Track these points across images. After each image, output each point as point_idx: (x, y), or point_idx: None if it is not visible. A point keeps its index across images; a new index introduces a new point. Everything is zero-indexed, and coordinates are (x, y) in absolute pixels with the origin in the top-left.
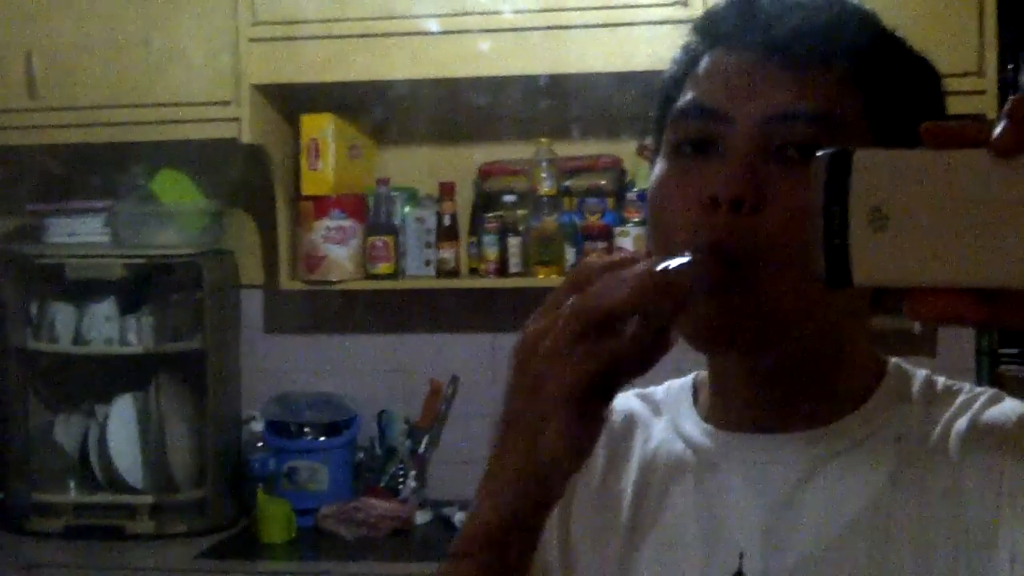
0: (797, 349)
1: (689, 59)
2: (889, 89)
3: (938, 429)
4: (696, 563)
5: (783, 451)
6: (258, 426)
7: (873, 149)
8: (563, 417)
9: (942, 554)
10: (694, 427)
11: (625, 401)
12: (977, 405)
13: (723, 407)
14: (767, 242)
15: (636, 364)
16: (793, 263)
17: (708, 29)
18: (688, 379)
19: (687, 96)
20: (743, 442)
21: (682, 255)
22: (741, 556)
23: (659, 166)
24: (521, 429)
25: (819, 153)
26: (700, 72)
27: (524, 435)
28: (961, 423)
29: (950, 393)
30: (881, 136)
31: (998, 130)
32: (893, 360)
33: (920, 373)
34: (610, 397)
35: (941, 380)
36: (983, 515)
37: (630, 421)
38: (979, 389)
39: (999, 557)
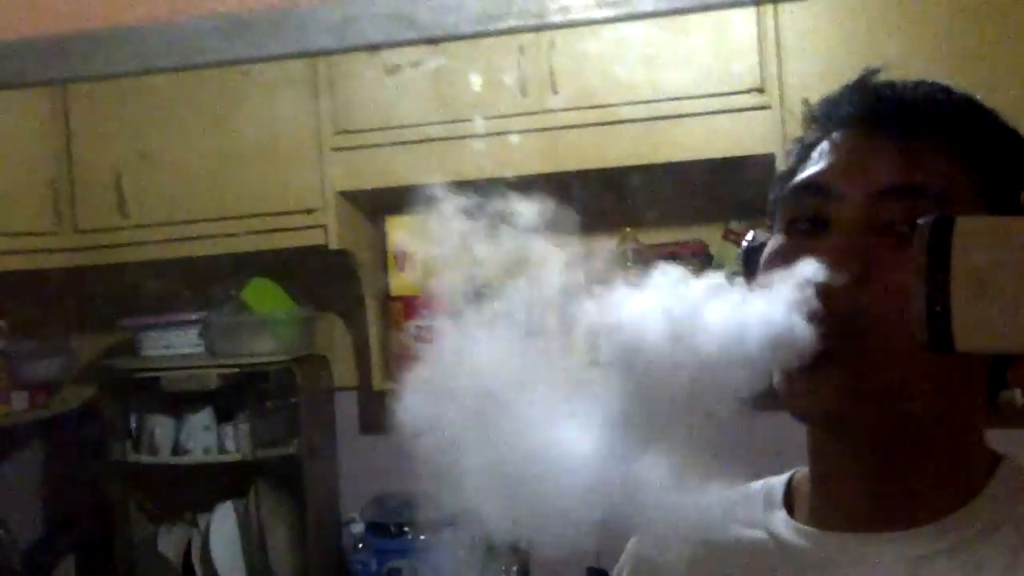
0: (901, 430)
1: (804, 147)
2: (998, 164)
3: None
4: None
5: (888, 551)
6: (359, 528)
7: (975, 216)
8: None
9: None
10: (786, 528)
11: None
12: None
13: (822, 505)
14: (873, 315)
15: None
16: (899, 335)
17: (823, 115)
18: (784, 477)
19: (801, 175)
20: (842, 541)
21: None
22: None
23: (773, 241)
24: None
25: (922, 220)
26: (814, 155)
27: None
28: None
29: None
30: (994, 205)
31: None
32: (1007, 456)
33: None
34: None
35: None
36: None
37: (722, 511)
38: None
39: None
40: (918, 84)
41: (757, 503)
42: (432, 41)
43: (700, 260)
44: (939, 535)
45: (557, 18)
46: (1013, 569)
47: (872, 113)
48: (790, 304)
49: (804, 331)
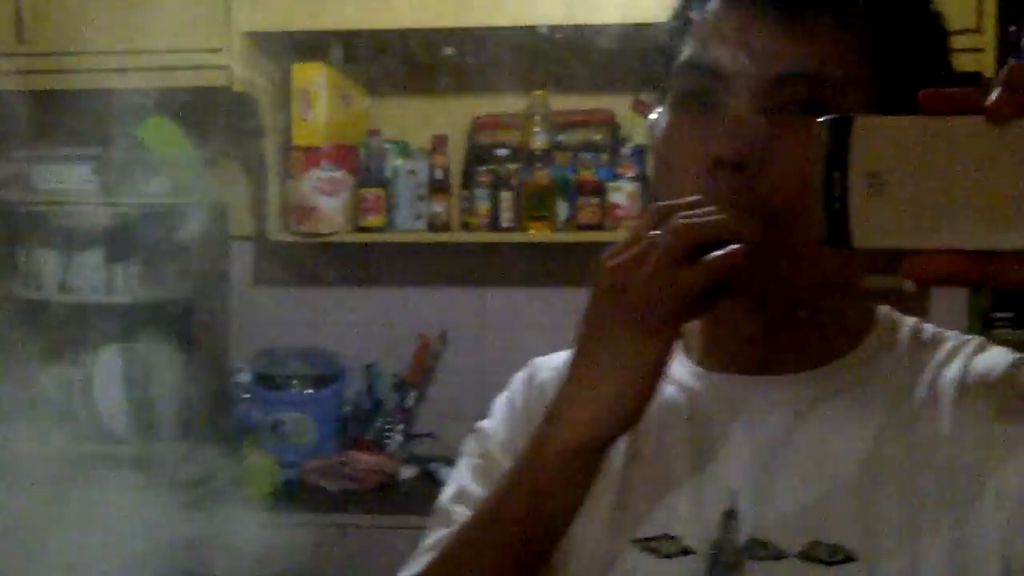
0: (793, 298)
1: (688, 6)
2: (896, 49)
3: (926, 376)
4: (689, 502)
5: (775, 393)
6: (245, 378)
7: (873, 116)
8: (670, 333)
9: (930, 499)
10: (683, 369)
11: None
12: (965, 353)
13: (714, 350)
14: (770, 201)
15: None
16: (795, 219)
17: None
18: None
19: (689, 51)
20: (733, 384)
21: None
22: (734, 494)
23: (664, 117)
24: (617, 350)
25: (820, 119)
26: (703, 23)
27: (621, 356)
28: (950, 372)
29: (937, 340)
30: (886, 96)
31: (994, 97)
32: (883, 308)
33: (909, 320)
34: (686, 320)
35: (929, 328)
36: (971, 461)
37: None
38: (966, 337)
39: (986, 501)
40: None
41: None
42: None
43: (608, 130)
44: (824, 380)
45: None
46: (892, 410)
47: None
48: (688, 189)
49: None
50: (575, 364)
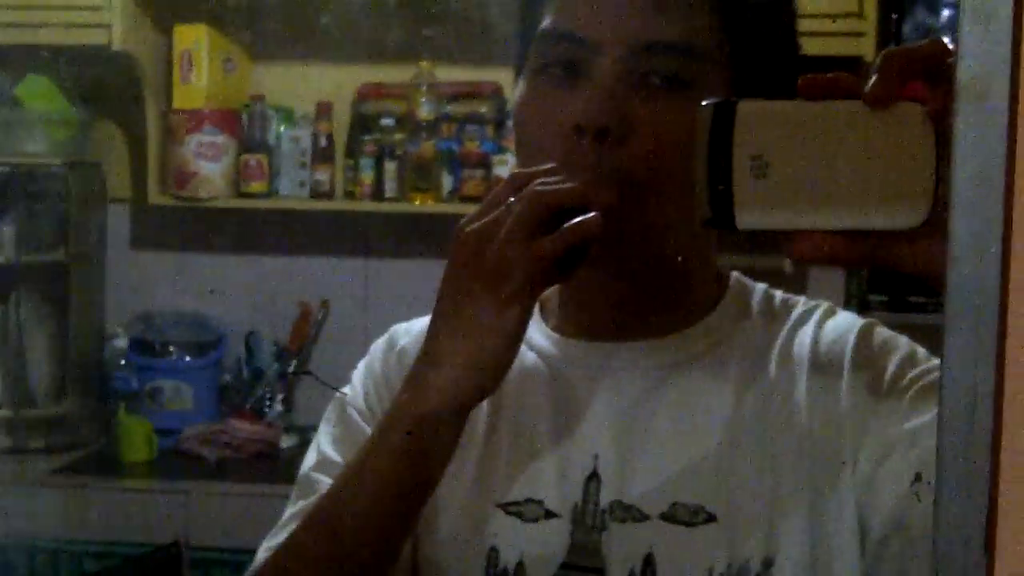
0: (651, 265)
1: None
2: (750, 22)
3: (779, 341)
4: (553, 466)
5: (631, 358)
6: (122, 343)
7: (755, 100)
8: (526, 300)
9: (788, 461)
10: (542, 336)
11: None
12: (814, 318)
13: (572, 317)
14: (632, 170)
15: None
16: (656, 190)
17: None
18: None
19: (551, 18)
20: (592, 350)
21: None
22: (596, 458)
23: (523, 86)
24: (475, 316)
25: (704, 103)
26: None
27: (478, 322)
28: (802, 336)
29: (787, 306)
30: (740, 69)
31: (871, 82)
32: (734, 274)
33: (759, 287)
34: (542, 288)
35: (779, 294)
36: (825, 425)
37: None
38: (814, 302)
39: (842, 465)
40: None
41: None
42: None
43: (494, 102)
44: (681, 345)
45: None
46: (748, 374)
47: None
48: (549, 158)
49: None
50: (433, 330)
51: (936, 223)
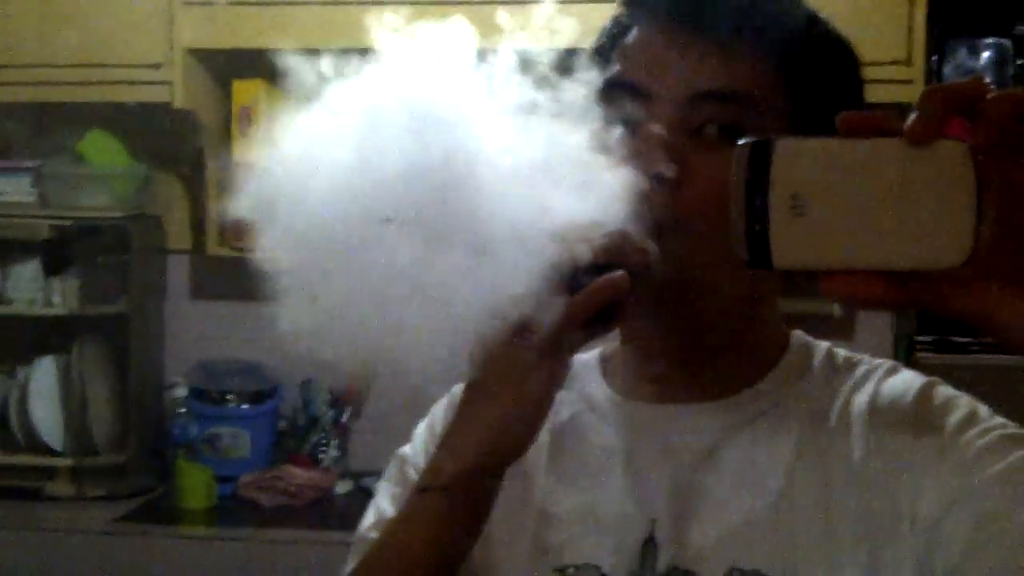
0: (709, 320)
1: (617, 31)
2: (811, 72)
3: (839, 401)
4: (610, 531)
5: (692, 421)
6: (181, 392)
7: (793, 137)
8: (556, 360)
9: (846, 523)
10: (603, 397)
11: None
12: (876, 377)
13: (632, 377)
14: (686, 218)
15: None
16: (711, 238)
17: (637, 2)
18: (594, 353)
19: (612, 70)
20: (651, 412)
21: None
22: (653, 522)
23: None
24: (508, 375)
25: (741, 141)
26: (626, 45)
27: (511, 380)
28: (862, 396)
29: (850, 365)
30: (801, 118)
31: (911, 120)
32: (796, 332)
33: (822, 345)
34: (576, 348)
35: (842, 352)
36: (884, 486)
37: None
38: (878, 361)
39: (900, 526)
40: None
41: (573, 378)
42: None
43: None
44: (740, 407)
45: None
46: (807, 436)
47: (686, 8)
48: (606, 204)
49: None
50: (467, 391)
51: (978, 263)
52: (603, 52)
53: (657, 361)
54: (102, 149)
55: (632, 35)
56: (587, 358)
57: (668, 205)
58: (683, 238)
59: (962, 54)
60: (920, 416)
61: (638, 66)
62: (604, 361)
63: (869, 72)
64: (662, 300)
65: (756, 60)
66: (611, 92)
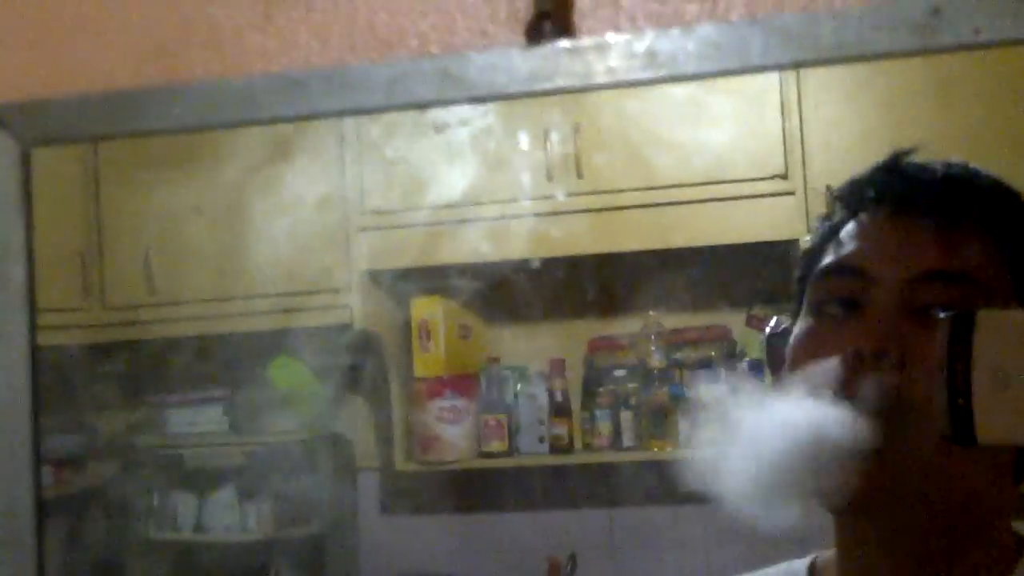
0: (933, 517)
1: (832, 226)
2: None
3: None
4: None
5: None
6: None
7: (997, 310)
8: None
9: None
10: None
11: None
12: None
13: None
14: (909, 399)
15: None
16: (934, 423)
17: (851, 196)
18: (804, 561)
19: (833, 255)
20: None
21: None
22: None
23: (801, 324)
24: None
25: (943, 314)
26: (843, 236)
27: None
28: None
29: None
30: (1021, 293)
31: None
32: None
33: None
34: None
35: None
36: None
37: None
38: None
39: None
40: (949, 165)
41: None
42: (477, 100)
43: (723, 346)
44: None
45: (603, 79)
46: None
47: (906, 194)
48: (827, 392)
49: (841, 420)
50: None
51: None
52: (815, 253)
53: (877, 571)
54: (288, 373)
55: (848, 227)
56: (799, 565)
57: (893, 386)
58: (905, 421)
59: None
60: None
61: (859, 252)
62: (817, 569)
63: None
64: (884, 496)
65: (976, 238)
66: (832, 276)
